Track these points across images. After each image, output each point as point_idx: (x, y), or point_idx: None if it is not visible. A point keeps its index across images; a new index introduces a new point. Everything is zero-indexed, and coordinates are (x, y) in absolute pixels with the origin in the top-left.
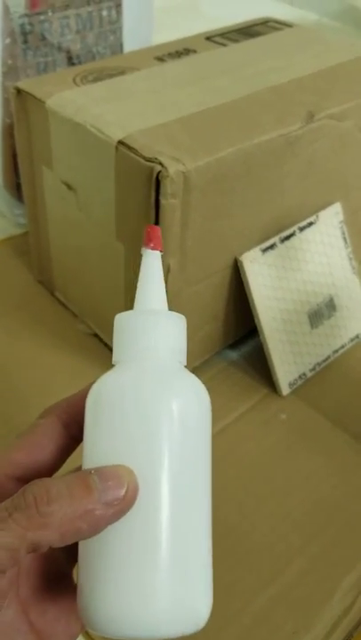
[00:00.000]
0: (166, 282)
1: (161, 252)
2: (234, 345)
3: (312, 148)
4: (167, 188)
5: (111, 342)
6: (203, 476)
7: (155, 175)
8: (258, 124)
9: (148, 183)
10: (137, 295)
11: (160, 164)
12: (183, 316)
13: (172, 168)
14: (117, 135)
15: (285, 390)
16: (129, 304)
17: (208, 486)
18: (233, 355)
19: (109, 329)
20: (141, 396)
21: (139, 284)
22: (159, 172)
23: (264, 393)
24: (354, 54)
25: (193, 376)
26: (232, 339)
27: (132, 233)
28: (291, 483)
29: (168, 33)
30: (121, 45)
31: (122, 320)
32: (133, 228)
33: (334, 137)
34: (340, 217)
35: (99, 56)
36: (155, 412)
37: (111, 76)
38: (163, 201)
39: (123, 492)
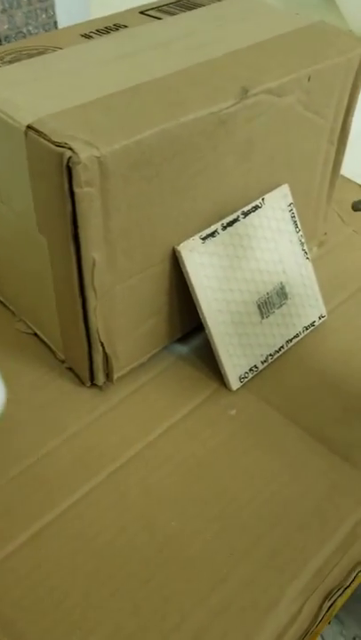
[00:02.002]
0: (92, 277)
1: None
2: (184, 338)
3: (249, 127)
4: (80, 175)
5: (50, 341)
6: None
7: (65, 162)
8: (185, 102)
9: (59, 171)
10: None
11: (70, 149)
12: None
13: (84, 153)
14: (26, 119)
15: (235, 385)
16: (61, 301)
17: None
18: (183, 349)
19: (46, 327)
20: None
21: None
22: (70, 157)
23: (213, 388)
24: (297, 24)
25: None
26: (180, 332)
27: (53, 225)
28: (238, 483)
29: (111, 9)
30: (55, 24)
31: None
32: (53, 220)
33: (274, 114)
34: (289, 199)
35: (30, 36)
36: None
37: (30, 55)
38: (77, 189)
39: None
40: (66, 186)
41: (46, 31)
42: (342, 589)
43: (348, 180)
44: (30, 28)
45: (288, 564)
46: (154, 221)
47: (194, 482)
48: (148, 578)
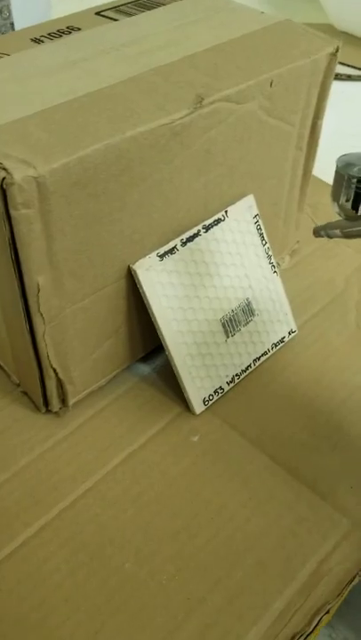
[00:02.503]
0: (37, 302)
1: None
2: (146, 357)
3: (207, 137)
4: (15, 197)
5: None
6: None
7: None
8: (134, 114)
9: None
10: None
11: (4, 169)
12: None
13: (19, 174)
14: None
15: (199, 408)
16: (9, 326)
17: None
18: (145, 369)
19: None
20: None
21: None
22: (3, 178)
23: (176, 412)
24: (261, 24)
25: None
26: (142, 352)
27: None
28: (198, 519)
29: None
30: (12, 26)
31: None
32: None
33: (234, 122)
34: (255, 210)
35: None
36: None
37: None
38: (13, 212)
39: None
40: (1, 208)
41: (2, 34)
42: (305, 636)
43: (324, 183)
44: None
45: (248, 610)
46: (104, 240)
47: (151, 518)
48: (98, 628)
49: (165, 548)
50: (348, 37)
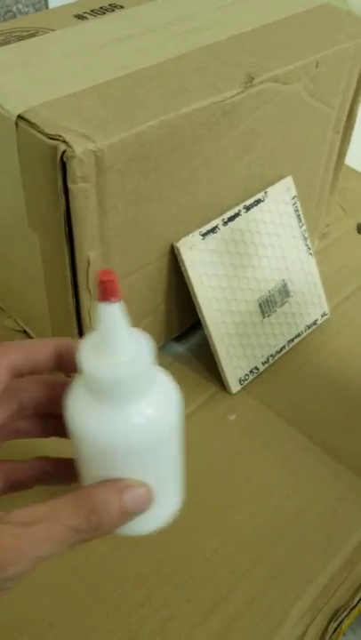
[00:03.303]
0: (87, 277)
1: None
2: (181, 337)
3: (254, 117)
4: (75, 170)
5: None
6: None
7: (59, 156)
8: (187, 91)
9: (52, 165)
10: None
11: (65, 142)
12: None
13: (80, 147)
14: (17, 109)
15: (235, 388)
16: (53, 300)
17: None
18: (179, 348)
19: (36, 324)
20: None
21: (106, 335)
22: (64, 151)
23: (212, 391)
24: (303, 6)
25: (167, 391)
26: (177, 331)
27: (45, 221)
28: (239, 495)
29: None
30: (46, 2)
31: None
32: (45, 216)
33: (280, 103)
34: (293, 192)
35: (20, 15)
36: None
37: (20, 38)
38: (71, 185)
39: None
40: (59, 181)
41: (37, 10)
42: (349, 609)
43: (351, 169)
44: (20, 6)
45: (292, 584)
46: (152, 218)
47: (193, 493)
48: (145, 599)
49: (208, 523)
50: None
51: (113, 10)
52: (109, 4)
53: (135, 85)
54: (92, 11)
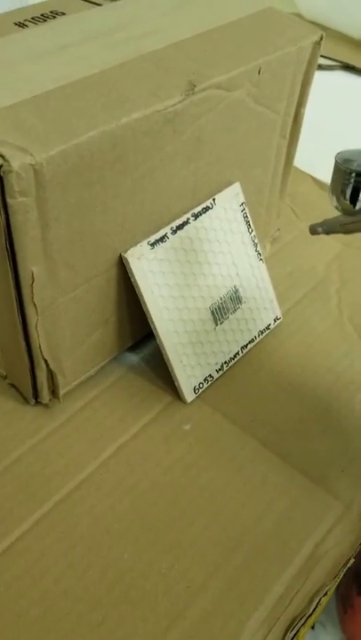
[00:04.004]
0: (31, 292)
1: None
2: (135, 347)
3: (198, 124)
4: (13, 185)
5: None
6: None
7: None
8: (128, 100)
9: None
10: None
11: (1, 156)
12: None
13: (17, 161)
14: None
15: (189, 397)
16: None
17: None
18: (134, 358)
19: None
20: None
21: None
22: (0, 166)
23: (167, 401)
24: (245, 11)
25: None
26: (131, 341)
27: None
28: (194, 506)
29: None
30: None
31: None
32: None
33: (224, 109)
34: (241, 198)
35: None
36: None
37: None
38: (10, 200)
39: None
40: None
41: None
42: (305, 618)
43: (302, 172)
44: None
45: (248, 595)
46: (97, 229)
47: (148, 507)
48: (100, 620)
49: (163, 537)
50: (317, 27)
51: (54, 17)
52: (50, 11)
53: (75, 95)
54: (32, 18)
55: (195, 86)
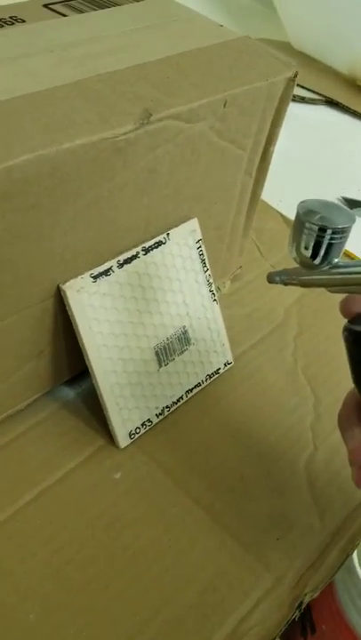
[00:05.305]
0: None
1: None
2: (72, 381)
3: (152, 156)
4: None
5: None
6: None
7: None
8: (74, 124)
9: None
10: None
11: None
12: None
13: None
14: None
15: (123, 442)
16: None
17: None
18: (70, 393)
19: None
20: None
21: None
22: None
23: (99, 444)
24: (218, 39)
25: None
26: (68, 375)
27: None
28: (114, 566)
29: None
30: None
31: None
32: None
33: (183, 142)
34: (198, 235)
35: None
36: None
37: None
38: None
39: None
40: None
41: None
42: None
43: (270, 208)
44: None
45: None
46: (32, 258)
47: (63, 564)
48: None
49: (75, 599)
50: (305, 58)
51: (13, 23)
52: (10, 17)
53: (16, 112)
54: None
55: (151, 115)
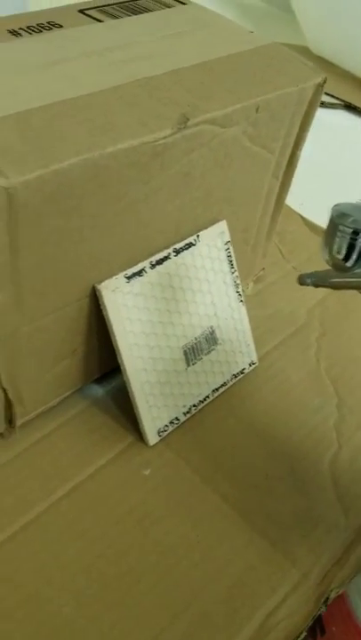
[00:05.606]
0: None
1: None
2: (101, 379)
3: (187, 160)
4: None
5: None
6: None
7: None
8: (115, 128)
9: None
10: None
11: None
12: None
13: None
14: None
15: (153, 439)
16: None
17: None
18: (99, 391)
19: None
20: None
21: None
22: None
23: (129, 441)
24: (249, 44)
25: None
26: (98, 373)
27: None
28: (145, 561)
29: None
30: None
31: None
32: None
33: (216, 146)
34: (226, 237)
35: None
36: None
37: None
38: None
39: None
40: None
41: None
42: None
43: (292, 212)
44: None
45: None
46: (72, 258)
47: (95, 558)
48: None
49: (108, 593)
50: (324, 62)
51: (50, 29)
52: (48, 22)
53: (60, 116)
54: (28, 27)
55: (188, 120)
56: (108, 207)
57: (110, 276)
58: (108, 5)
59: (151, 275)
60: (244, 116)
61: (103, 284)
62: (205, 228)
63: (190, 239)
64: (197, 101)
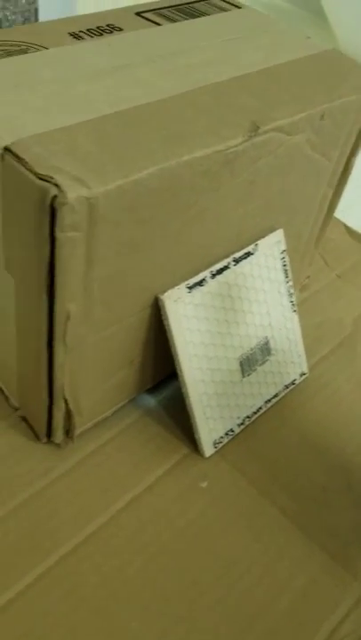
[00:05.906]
0: (64, 330)
1: None
2: (152, 389)
3: (255, 167)
4: (65, 218)
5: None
6: None
7: (49, 200)
8: (188, 136)
9: (40, 209)
10: None
11: (56, 185)
12: None
13: (73, 192)
14: (4, 140)
15: (209, 451)
16: (22, 348)
17: None
18: (151, 401)
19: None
20: None
21: None
22: (55, 196)
23: (184, 453)
24: (308, 50)
25: None
26: (151, 383)
27: (24, 266)
28: (208, 574)
29: (96, 3)
30: (36, 11)
31: None
32: (25, 260)
33: (282, 154)
34: (283, 246)
35: (8, 24)
36: None
37: (9, 53)
38: (59, 234)
39: None
40: (46, 227)
41: (26, 19)
42: None
43: (335, 218)
44: (7, 13)
45: None
46: (140, 269)
47: (158, 572)
48: None
49: (174, 608)
50: None
51: (111, 32)
52: (107, 25)
53: (134, 123)
54: (88, 30)
55: (258, 127)
56: (178, 216)
57: (172, 286)
58: (164, 8)
59: (211, 284)
60: (309, 123)
61: (166, 294)
62: (263, 236)
63: (249, 248)
64: (265, 108)
